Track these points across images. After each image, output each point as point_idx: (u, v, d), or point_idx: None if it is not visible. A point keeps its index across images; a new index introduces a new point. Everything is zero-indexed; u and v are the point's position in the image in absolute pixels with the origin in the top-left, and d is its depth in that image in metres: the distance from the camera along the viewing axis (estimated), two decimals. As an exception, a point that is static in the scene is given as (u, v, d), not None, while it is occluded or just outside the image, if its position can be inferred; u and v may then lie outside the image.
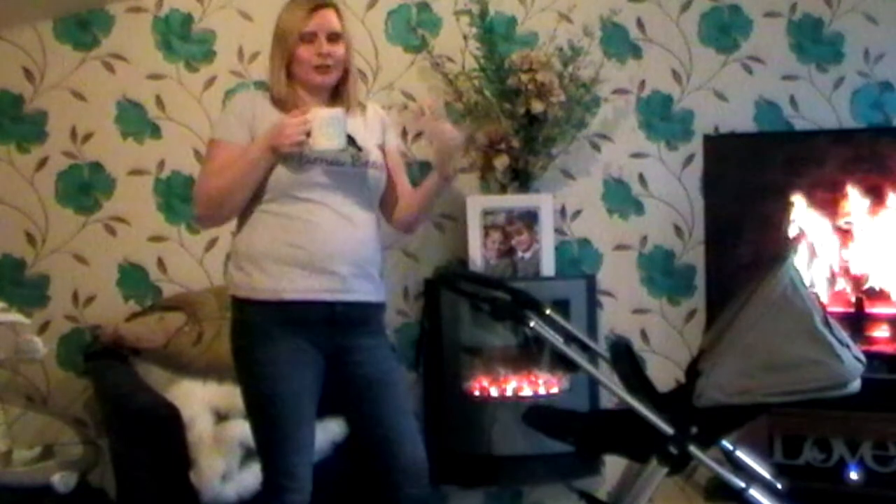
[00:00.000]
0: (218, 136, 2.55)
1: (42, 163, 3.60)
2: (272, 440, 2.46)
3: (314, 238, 2.45)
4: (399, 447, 2.51)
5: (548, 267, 3.59)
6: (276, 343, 2.44)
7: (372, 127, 2.63)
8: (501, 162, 3.56)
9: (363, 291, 2.51)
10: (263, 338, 2.45)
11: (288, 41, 2.51)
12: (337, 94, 2.58)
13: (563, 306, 3.35)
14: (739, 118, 3.78)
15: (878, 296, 3.53)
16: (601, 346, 2.97)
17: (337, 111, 2.44)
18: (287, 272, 2.44)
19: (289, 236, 2.45)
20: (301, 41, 2.50)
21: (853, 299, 3.53)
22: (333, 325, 2.48)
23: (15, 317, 3.06)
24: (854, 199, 3.56)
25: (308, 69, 2.52)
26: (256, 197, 2.49)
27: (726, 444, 2.66)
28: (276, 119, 2.48)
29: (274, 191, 2.47)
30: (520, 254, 3.60)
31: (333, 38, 2.52)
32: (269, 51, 2.59)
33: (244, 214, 2.53)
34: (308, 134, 2.40)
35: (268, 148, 2.43)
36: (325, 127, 2.40)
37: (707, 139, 3.77)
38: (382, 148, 2.63)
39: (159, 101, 3.65)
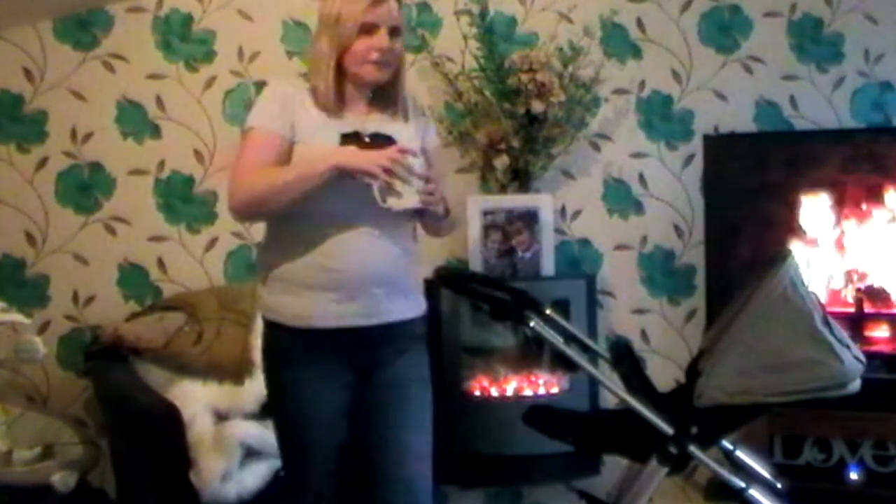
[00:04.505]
0: (257, 124, 2.33)
1: (42, 163, 3.60)
2: (297, 460, 2.37)
3: (350, 260, 2.28)
4: (396, 461, 2.36)
5: (548, 267, 3.59)
6: (306, 368, 2.32)
7: (415, 128, 2.44)
8: (501, 162, 3.56)
9: (397, 311, 2.36)
10: (292, 362, 2.34)
11: (344, 30, 2.28)
12: (382, 92, 2.39)
13: (563, 306, 3.35)
14: (739, 118, 3.78)
15: (878, 296, 3.53)
16: (601, 346, 2.97)
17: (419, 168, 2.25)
18: (319, 298, 2.29)
19: (323, 259, 2.28)
20: (360, 32, 2.28)
21: (853, 299, 3.53)
22: (365, 346, 2.35)
23: (15, 317, 3.05)
24: (854, 198, 3.56)
25: (362, 64, 2.31)
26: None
27: (726, 444, 2.66)
28: (318, 119, 2.31)
29: (310, 203, 2.26)
30: (520, 254, 3.60)
31: (394, 32, 2.32)
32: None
33: (275, 223, 2.37)
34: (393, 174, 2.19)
35: (334, 167, 2.21)
36: (414, 188, 2.22)
37: (707, 139, 3.77)
38: (423, 150, 2.42)
39: (159, 101, 3.65)
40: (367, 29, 2.29)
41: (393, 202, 2.22)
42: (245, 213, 2.35)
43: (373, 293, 2.31)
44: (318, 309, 2.29)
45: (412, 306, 2.42)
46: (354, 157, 2.23)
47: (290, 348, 2.34)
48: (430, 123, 2.54)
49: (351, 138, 2.32)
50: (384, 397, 2.38)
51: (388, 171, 2.18)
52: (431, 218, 2.37)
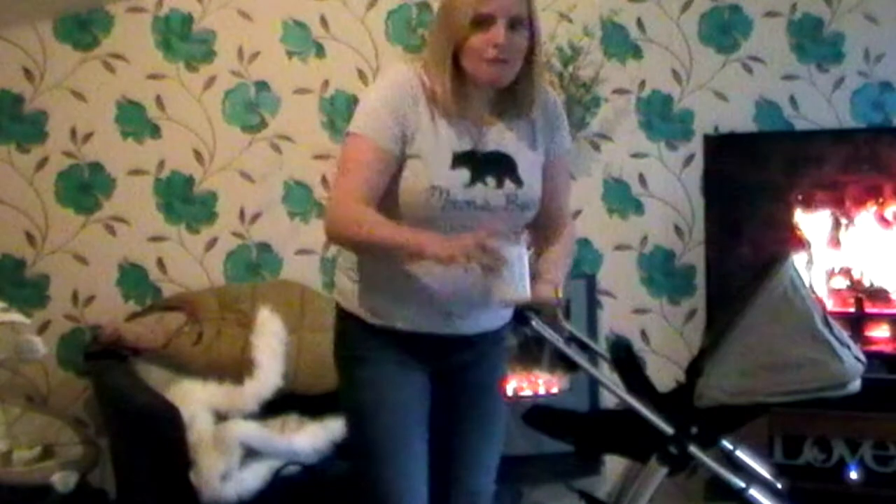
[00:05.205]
0: (367, 134, 2.06)
1: (42, 163, 3.60)
2: (373, 444, 2.16)
3: (444, 279, 2.09)
4: (465, 470, 2.26)
5: (548, 267, 3.59)
6: (383, 358, 2.16)
7: (542, 145, 2.19)
8: (501, 162, 3.56)
9: (483, 324, 2.21)
10: (369, 350, 2.17)
11: (456, 23, 2.02)
12: (507, 93, 2.12)
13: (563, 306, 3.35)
14: (739, 118, 3.78)
15: (878, 296, 3.53)
16: (601, 346, 2.97)
17: (525, 254, 1.99)
18: (404, 306, 2.14)
19: (416, 272, 2.09)
20: (474, 25, 2.01)
21: (853, 299, 3.53)
22: (445, 351, 2.21)
23: (15, 317, 3.05)
24: (854, 198, 3.57)
25: (478, 62, 2.03)
26: (389, 215, 2.09)
27: (726, 444, 2.66)
28: (434, 129, 2.07)
29: (412, 221, 2.08)
30: (520, 254, 3.59)
31: (516, 24, 2.03)
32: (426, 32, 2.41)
33: None
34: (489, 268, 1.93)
35: (417, 252, 2.01)
36: (517, 277, 1.95)
37: (707, 139, 3.77)
38: (545, 162, 2.20)
39: (159, 101, 3.64)
40: (483, 21, 2.01)
41: (505, 296, 1.97)
42: (339, 245, 2.23)
43: (460, 311, 2.15)
44: (403, 314, 2.15)
45: (501, 316, 2.26)
46: (440, 245, 1.97)
47: (366, 339, 2.17)
48: (560, 129, 2.24)
49: (464, 160, 2.08)
50: (460, 402, 2.25)
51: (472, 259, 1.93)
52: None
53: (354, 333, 2.21)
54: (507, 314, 2.28)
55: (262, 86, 3.69)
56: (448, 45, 2.05)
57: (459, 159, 2.08)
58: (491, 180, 2.09)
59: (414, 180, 2.07)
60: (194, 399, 3.12)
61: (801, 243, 3.58)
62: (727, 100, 3.80)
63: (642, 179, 3.82)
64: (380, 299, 2.16)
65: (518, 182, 2.12)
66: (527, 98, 2.12)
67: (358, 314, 2.19)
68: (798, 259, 2.49)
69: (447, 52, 2.05)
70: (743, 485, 2.44)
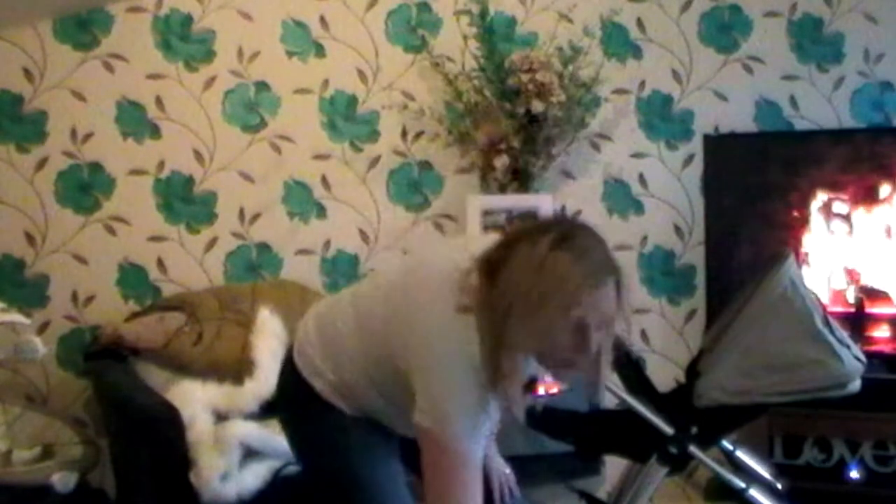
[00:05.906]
0: (476, 463, 1.81)
1: (42, 163, 3.60)
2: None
3: None
4: None
5: (548, 267, 3.59)
6: (355, 420, 2.05)
7: None
8: (501, 162, 3.56)
9: None
10: (339, 415, 2.04)
11: (543, 329, 1.74)
12: None
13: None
14: (739, 118, 3.78)
15: (878, 296, 3.53)
16: (601, 346, 2.96)
17: None
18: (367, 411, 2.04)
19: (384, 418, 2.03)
20: (563, 327, 1.76)
21: (853, 299, 3.53)
22: None
23: (15, 317, 3.05)
24: (854, 198, 3.57)
25: (557, 364, 1.83)
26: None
27: (726, 444, 2.66)
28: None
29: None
30: (520, 254, 3.59)
31: (604, 324, 1.78)
32: None
33: (371, 367, 1.97)
34: None
35: None
36: None
37: (707, 139, 3.77)
38: None
39: (159, 101, 3.65)
40: (574, 325, 1.74)
41: None
42: None
43: None
44: (362, 411, 2.05)
45: None
46: None
47: (339, 412, 2.05)
48: None
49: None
50: None
51: None
52: None
53: (324, 413, 2.05)
54: None
55: (261, 86, 3.69)
56: (525, 351, 1.78)
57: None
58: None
59: None
60: (194, 399, 3.11)
61: (801, 243, 3.58)
62: (727, 100, 3.79)
63: (642, 179, 3.82)
64: (349, 400, 2.03)
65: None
66: (587, 382, 1.89)
67: (314, 386, 2.04)
68: (798, 259, 2.49)
69: (521, 361, 1.78)
70: (743, 485, 2.45)
